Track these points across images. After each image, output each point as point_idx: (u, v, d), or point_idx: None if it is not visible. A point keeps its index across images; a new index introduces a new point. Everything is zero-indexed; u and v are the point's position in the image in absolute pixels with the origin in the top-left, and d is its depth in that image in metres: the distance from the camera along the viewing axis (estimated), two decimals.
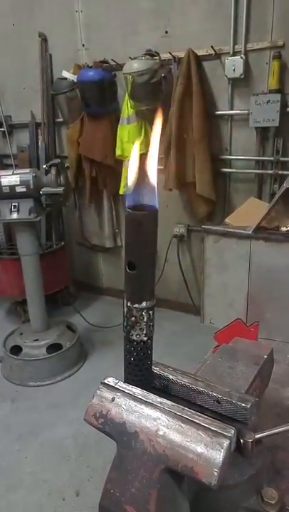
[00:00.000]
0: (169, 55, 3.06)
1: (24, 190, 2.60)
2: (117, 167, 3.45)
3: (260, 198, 3.06)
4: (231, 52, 2.91)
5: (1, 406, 2.73)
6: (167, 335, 3.37)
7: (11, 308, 3.94)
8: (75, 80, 3.33)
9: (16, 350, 3.01)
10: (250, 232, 1.59)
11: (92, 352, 3.30)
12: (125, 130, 3.26)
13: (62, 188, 2.64)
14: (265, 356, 0.87)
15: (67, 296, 3.86)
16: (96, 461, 2.24)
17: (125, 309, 0.62)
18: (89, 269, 4.32)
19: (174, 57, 3.05)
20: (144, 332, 0.62)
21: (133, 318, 0.62)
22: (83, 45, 3.51)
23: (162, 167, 3.26)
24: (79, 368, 3.09)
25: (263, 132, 3.00)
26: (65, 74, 3.43)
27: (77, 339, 3.11)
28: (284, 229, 1.57)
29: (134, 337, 0.63)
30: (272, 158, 3.00)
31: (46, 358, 2.91)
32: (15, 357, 2.94)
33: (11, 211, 2.62)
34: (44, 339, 3.00)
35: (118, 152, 3.35)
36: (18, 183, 2.59)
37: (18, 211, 2.62)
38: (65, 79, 3.45)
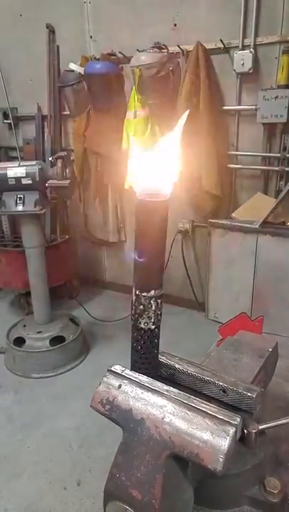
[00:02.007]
0: (178, 48, 3.04)
1: (30, 182, 2.59)
2: (122, 161, 3.45)
3: (265, 194, 3.05)
4: (240, 46, 2.89)
5: (4, 397, 2.75)
6: (170, 330, 3.37)
7: (14, 301, 3.96)
8: (82, 73, 3.31)
9: (19, 341, 3.02)
10: (257, 226, 1.59)
11: (94, 345, 3.31)
12: (132, 124, 3.25)
13: (68, 181, 2.64)
14: (270, 349, 0.87)
15: (70, 289, 3.87)
16: (98, 452, 2.25)
17: (134, 297, 0.63)
18: (93, 263, 4.32)
19: (182, 50, 3.03)
20: (152, 320, 0.63)
21: (141, 307, 0.62)
22: (91, 36, 3.48)
23: None
24: (81, 361, 3.10)
25: (270, 128, 2.98)
26: (72, 66, 3.40)
27: (80, 332, 3.12)
28: None
29: (142, 325, 0.63)
30: (279, 155, 2.99)
31: (49, 350, 2.92)
32: (18, 348, 2.95)
33: (16, 203, 2.62)
34: (47, 331, 3.01)
35: (124, 146, 3.34)
36: (24, 175, 2.58)
37: (23, 203, 2.61)
38: (72, 71, 3.41)
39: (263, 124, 2.95)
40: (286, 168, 2.96)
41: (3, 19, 3.83)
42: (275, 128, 2.96)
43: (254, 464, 0.68)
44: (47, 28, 3.59)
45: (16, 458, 2.26)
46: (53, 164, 2.67)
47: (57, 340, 3.00)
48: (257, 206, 2.31)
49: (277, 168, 3.01)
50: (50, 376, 2.92)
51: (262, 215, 1.60)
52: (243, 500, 0.69)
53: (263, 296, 1.63)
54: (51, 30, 3.61)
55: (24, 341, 3.00)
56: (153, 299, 0.62)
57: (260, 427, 0.69)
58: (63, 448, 2.32)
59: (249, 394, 0.64)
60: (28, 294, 3.25)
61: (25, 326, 3.12)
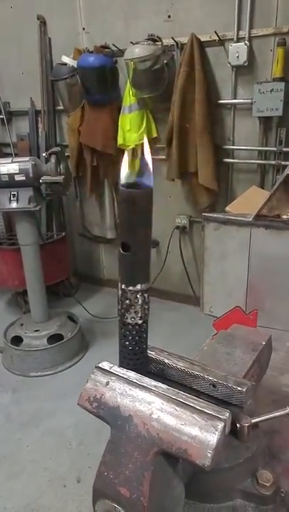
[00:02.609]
0: (172, 40, 3.01)
1: (23, 178, 2.58)
2: (118, 156, 3.43)
3: (262, 188, 3.04)
4: (235, 39, 2.87)
5: (2, 396, 2.75)
6: (168, 326, 3.37)
7: (11, 299, 3.94)
8: (75, 66, 3.25)
9: (17, 340, 3.01)
10: (251, 219, 1.58)
11: (93, 342, 3.30)
12: (127, 119, 3.23)
13: (62, 176, 2.62)
14: (264, 343, 0.86)
15: (68, 287, 3.86)
16: (97, 449, 2.22)
17: (119, 292, 0.61)
18: (90, 260, 4.31)
19: (176, 42, 3.01)
20: (139, 315, 0.62)
21: (127, 301, 0.61)
22: (83, 28, 3.43)
23: (164, 157, 3.24)
24: (80, 359, 3.09)
25: (266, 122, 2.96)
26: (65, 59, 3.34)
27: (78, 330, 3.12)
28: (285, 217, 1.55)
29: (128, 320, 0.62)
30: (275, 149, 2.97)
31: (47, 348, 2.92)
32: (16, 347, 2.95)
33: (10, 200, 2.61)
34: (45, 330, 3.01)
35: (120, 141, 3.31)
36: (17, 171, 2.57)
37: (17, 200, 2.60)
38: (65, 64, 3.35)
39: (259, 117, 2.93)
40: (282, 162, 2.95)
41: None
42: (271, 121, 2.95)
43: (247, 458, 0.67)
44: (38, 19, 3.52)
45: (15, 457, 2.26)
46: (47, 160, 2.65)
47: (55, 338, 2.99)
48: (252, 199, 2.30)
49: (273, 162, 3.00)
50: (49, 374, 2.92)
51: (256, 208, 1.59)
52: (235, 494, 0.68)
53: (258, 289, 1.63)
54: (42, 22, 3.54)
55: (22, 340, 2.99)
56: (139, 293, 0.60)
57: (253, 421, 0.69)
58: (62, 446, 2.32)
59: (239, 388, 0.63)
60: (25, 292, 3.24)
61: (22, 324, 3.11)
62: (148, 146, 0.57)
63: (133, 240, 0.57)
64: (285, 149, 2.93)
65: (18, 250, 2.99)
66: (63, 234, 3.83)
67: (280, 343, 1.09)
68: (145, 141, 0.58)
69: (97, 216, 3.99)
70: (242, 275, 1.64)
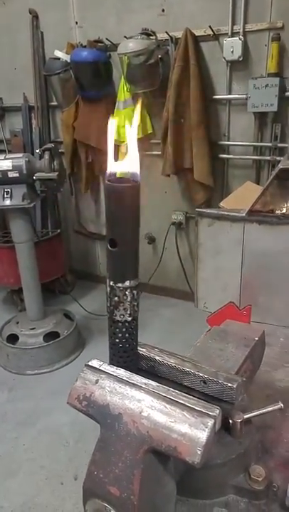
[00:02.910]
0: (166, 35, 2.98)
1: (17, 175, 2.55)
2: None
3: (257, 184, 3.03)
4: (230, 33, 2.85)
5: None
6: (165, 322, 3.37)
7: (7, 297, 3.92)
8: (69, 60, 3.21)
9: (13, 338, 3.00)
10: (244, 215, 1.57)
11: (90, 340, 3.29)
12: (121, 114, 3.21)
13: (56, 173, 2.60)
14: (256, 338, 0.86)
15: (64, 284, 3.85)
16: (94, 446, 2.24)
17: (108, 289, 0.60)
18: (86, 257, 4.29)
19: (170, 37, 2.98)
20: (128, 312, 0.61)
21: (116, 298, 0.60)
22: (76, 22, 3.39)
23: (160, 152, 3.22)
24: (77, 356, 3.08)
25: (261, 117, 2.95)
26: (58, 53, 3.30)
27: (74, 327, 3.10)
28: (278, 212, 1.54)
29: (117, 317, 0.61)
30: (270, 144, 2.96)
31: (43, 346, 2.90)
32: (11, 346, 2.93)
33: (3, 197, 2.58)
34: (41, 327, 2.99)
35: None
36: (11, 168, 2.54)
37: (10, 197, 2.58)
38: (58, 59, 3.31)
39: (254, 113, 2.91)
40: (277, 158, 2.94)
41: None
42: (266, 117, 2.93)
43: (239, 453, 0.67)
44: (30, 13, 3.48)
45: (12, 456, 2.25)
46: (40, 157, 2.63)
47: (51, 336, 2.98)
48: (246, 195, 2.29)
49: (268, 158, 2.99)
50: (45, 372, 2.90)
51: (250, 203, 1.58)
52: (228, 489, 0.68)
53: (251, 284, 1.62)
54: (35, 16, 3.50)
55: (18, 338, 2.98)
56: (128, 290, 0.59)
57: (246, 416, 0.68)
58: (59, 443, 2.32)
59: (230, 384, 0.62)
60: (20, 290, 3.22)
61: (18, 322, 3.10)
62: (135, 139, 0.56)
63: (120, 235, 0.56)
64: (280, 145, 2.92)
65: (12, 248, 2.97)
66: (58, 231, 3.82)
67: (274, 339, 1.09)
68: (132, 134, 0.57)
69: (93, 213, 3.98)
70: (236, 270, 1.63)
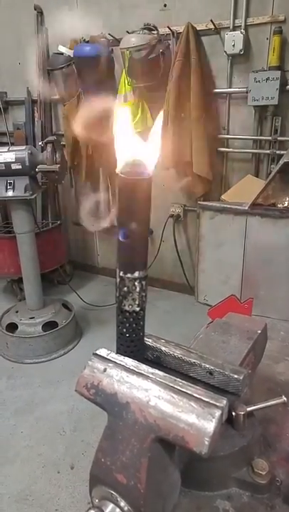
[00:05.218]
0: (168, 29, 2.97)
1: (20, 167, 2.57)
2: (113, 146, 3.39)
3: (256, 177, 3.03)
4: (231, 27, 2.84)
5: None
6: (161, 314, 3.39)
7: (7, 287, 3.94)
8: (72, 55, 3.24)
9: (12, 327, 3.02)
10: (247, 208, 1.57)
11: (87, 330, 3.32)
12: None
13: (58, 165, 2.61)
14: (259, 331, 0.87)
15: (63, 274, 3.86)
16: (91, 436, 2.27)
17: (117, 279, 0.61)
18: (85, 249, 4.30)
19: (172, 32, 2.97)
20: (137, 302, 0.62)
21: (125, 289, 0.61)
22: (81, 18, 3.38)
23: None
24: (74, 346, 3.10)
25: (261, 111, 2.95)
26: (62, 49, 3.34)
27: (72, 317, 3.13)
28: (280, 206, 1.55)
29: (126, 307, 0.62)
30: (270, 138, 2.96)
31: (42, 335, 2.92)
32: (11, 334, 2.95)
33: (6, 188, 2.60)
34: (40, 317, 3.01)
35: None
36: (14, 160, 2.56)
37: (13, 188, 2.59)
38: (62, 54, 3.35)
39: (254, 106, 2.91)
40: (277, 151, 2.94)
41: None
42: (266, 110, 2.93)
43: (242, 446, 0.68)
44: (35, 9, 3.53)
45: (9, 443, 2.27)
46: (43, 149, 2.64)
47: (50, 325, 3.00)
48: (247, 188, 2.29)
49: (268, 152, 2.99)
50: (43, 361, 2.93)
51: (252, 197, 1.59)
52: (230, 482, 0.69)
53: (253, 277, 1.63)
54: (39, 12, 3.54)
55: (17, 327, 3.00)
56: (137, 281, 0.60)
57: (249, 409, 0.69)
58: (56, 432, 2.34)
59: (236, 376, 0.63)
60: (20, 280, 3.25)
61: (17, 311, 3.12)
62: (159, 132, 0.56)
63: (131, 227, 0.56)
64: (280, 138, 2.92)
65: (14, 238, 2.98)
66: (59, 222, 3.83)
67: (275, 332, 1.10)
68: (158, 122, 0.57)
69: (92, 204, 3.97)
70: (237, 263, 1.64)
